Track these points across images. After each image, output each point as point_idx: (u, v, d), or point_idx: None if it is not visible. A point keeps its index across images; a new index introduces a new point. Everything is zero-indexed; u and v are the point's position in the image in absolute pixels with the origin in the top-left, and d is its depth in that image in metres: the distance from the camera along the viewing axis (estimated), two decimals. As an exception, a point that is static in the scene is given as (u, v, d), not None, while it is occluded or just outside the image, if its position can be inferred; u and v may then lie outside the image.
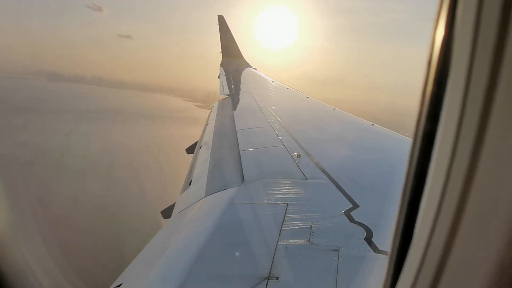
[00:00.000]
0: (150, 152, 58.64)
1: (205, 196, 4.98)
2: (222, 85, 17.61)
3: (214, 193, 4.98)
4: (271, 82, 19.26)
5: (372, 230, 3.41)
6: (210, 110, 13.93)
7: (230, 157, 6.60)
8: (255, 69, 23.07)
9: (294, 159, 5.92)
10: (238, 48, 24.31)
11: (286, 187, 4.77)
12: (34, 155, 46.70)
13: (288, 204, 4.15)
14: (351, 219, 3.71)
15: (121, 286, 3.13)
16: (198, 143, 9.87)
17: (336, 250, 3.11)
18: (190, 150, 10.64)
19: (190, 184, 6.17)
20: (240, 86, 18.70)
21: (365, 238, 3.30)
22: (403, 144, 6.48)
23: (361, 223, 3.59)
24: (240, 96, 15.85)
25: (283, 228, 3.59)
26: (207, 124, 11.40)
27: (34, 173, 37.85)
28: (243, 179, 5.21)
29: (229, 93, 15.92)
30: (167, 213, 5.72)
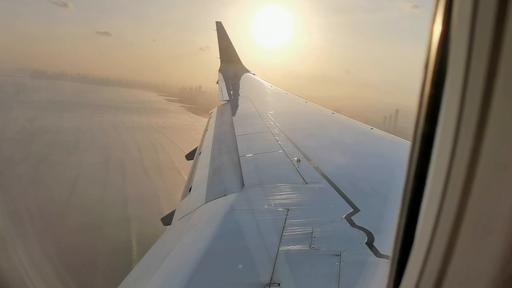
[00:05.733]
0: (74, 132, 74.31)
1: (205, 203, 4.97)
2: (221, 91, 17.66)
3: (214, 199, 4.97)
4: (269, 87, 19.31)
5: (374, 234, 3.39)
6: (209, 116, 13.95)
7: (230, 163, 6.59)
8: (254, 74, 23.16)
9: (294, 164, 5.91)
10: (237, 54, 24.45)
11: (286, 192, 4.75)
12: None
13: (288, 210, 4.13)
14: (352, 224, 3.69)
15: None
16: (197, 149, 9.86)
17: (338, 255, 3.09)
18: (190, 156, 10.63)
19: (190, 190, 6.16)
20: (239, 92, 18.75)
21: (366, 243, 3.28)
22: (402, 148, 6.47)
23: (362, 228, 3.57)
24: (239, 102, 15.88)
25: (284, 233, 3.57)
26: (206, 130, 11.41)
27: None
28: (243, 185, 5.19)
29: (228, 99, 15.95)
30: (167, 220, 5.70)
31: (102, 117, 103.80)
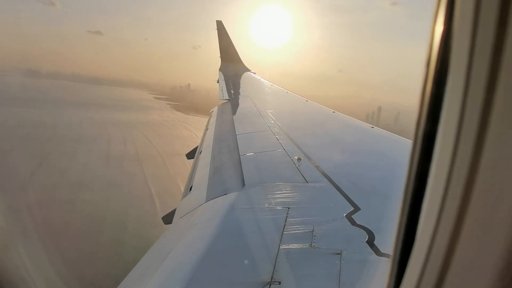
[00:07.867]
0: (52, 127, 78.02)
1: (206, 202, 4.97)
2: (222, 90, 17.65)
3: (215, 198, 4.97)
4: (270, 86, 19.29)
5: (374, 233, 3.40)
6: (210, 115, 13.95)
7: (230, 162, 6.59)
8: (254, 73, 23.13)
9: (294, 163, 5.91)
10: (237, 53, 24.40)
11: (287, 191, 4.76)
12: None
13: (289, 208, 4.14)
14: (353, 222, 3.69)
15: None
16: (198, 148, 9.87)
17: (338, 254, 3.09)
18: (190, 155, 10.63)
19: (190, 189, 6.16)
20: (240, 91, 18.75)
21: (367, 241, 3.28)
22: (404, 146, 6.47)
23: (363, 226, 3.57)
24: (239, 101, 15.88)
25: (284, 232, 3.57)
26: (207, 129, 11.41)
27: None
28: (243, 184, 5.19)
29: (228, 98, 15.94)
30: (168, 219, 5.71)
31: (84, 113, 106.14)
